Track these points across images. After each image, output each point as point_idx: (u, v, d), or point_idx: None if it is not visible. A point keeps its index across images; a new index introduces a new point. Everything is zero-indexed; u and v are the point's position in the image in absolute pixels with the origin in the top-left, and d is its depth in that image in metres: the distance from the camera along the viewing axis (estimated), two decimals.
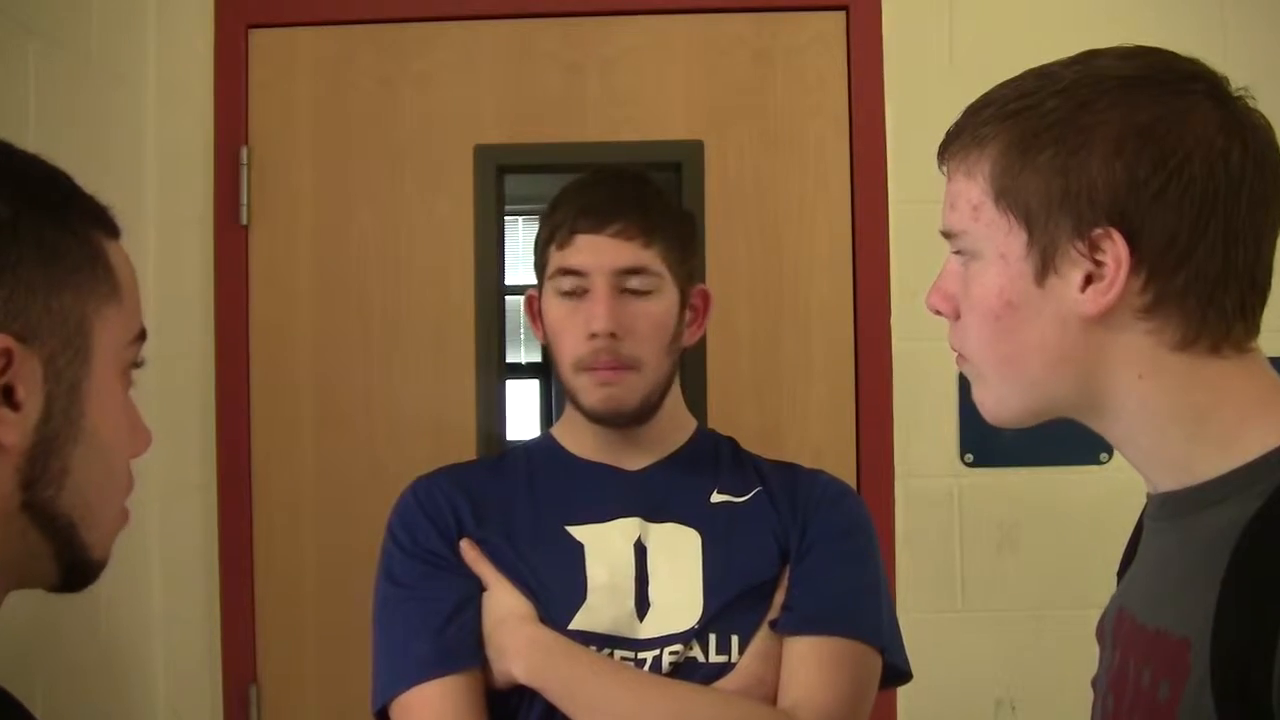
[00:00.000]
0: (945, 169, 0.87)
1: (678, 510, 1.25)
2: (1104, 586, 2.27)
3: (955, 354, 0.89)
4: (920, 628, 2.01)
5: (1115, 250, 0.75)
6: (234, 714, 2.01)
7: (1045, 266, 0.78)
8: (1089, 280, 0.76)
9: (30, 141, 1.80)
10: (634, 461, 1.28)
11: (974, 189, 0.82)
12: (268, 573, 2.03)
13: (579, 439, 1.30)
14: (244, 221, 2.04)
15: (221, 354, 2.03)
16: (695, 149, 2.06)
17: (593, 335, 1.19)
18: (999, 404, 0.86)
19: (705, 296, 1.32)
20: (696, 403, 2.01)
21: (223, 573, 2.02)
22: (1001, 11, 2.06)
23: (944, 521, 2.03)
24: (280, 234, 2.06)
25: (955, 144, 0.85)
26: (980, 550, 2.03)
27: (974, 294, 0.82)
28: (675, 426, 1.31)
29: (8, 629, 1.59)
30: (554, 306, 1.24)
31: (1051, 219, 0.77)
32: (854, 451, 2.03)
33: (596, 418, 1.24)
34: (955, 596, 2.03)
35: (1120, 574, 0.92)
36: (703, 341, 2.03)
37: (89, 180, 1.70)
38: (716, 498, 1.27)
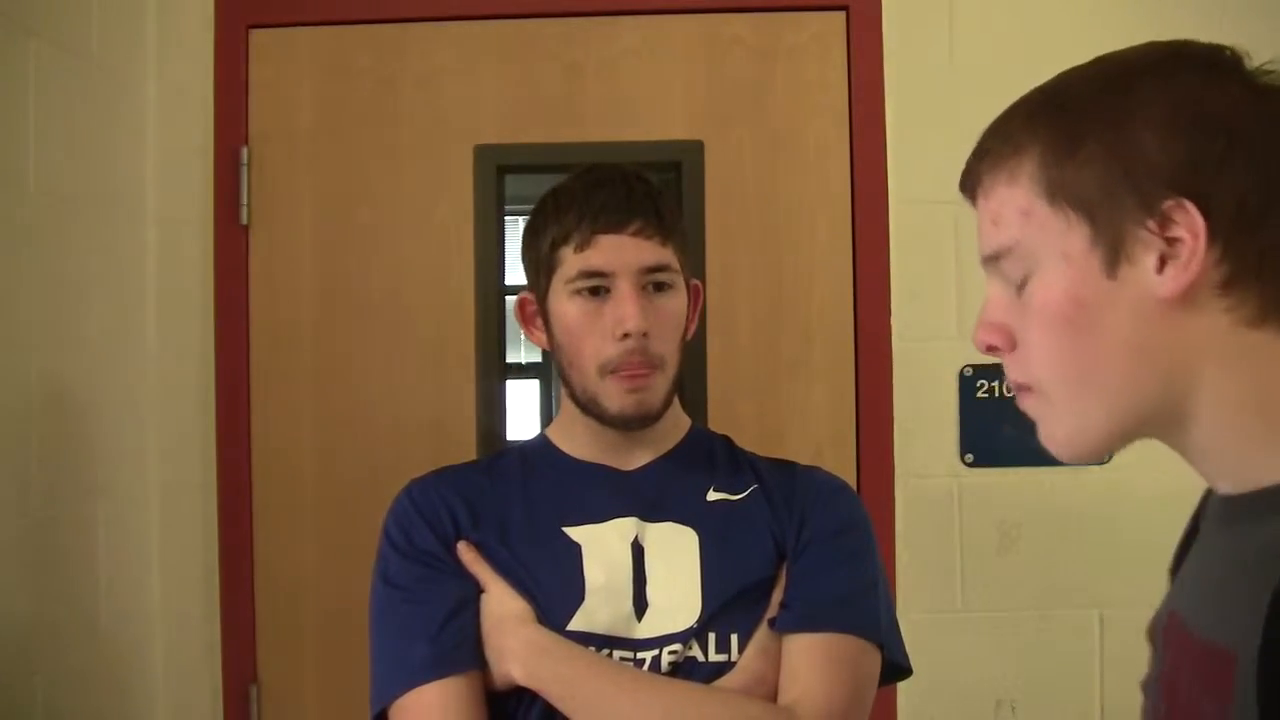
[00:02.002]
0: (977, 192, 0.81)
1: (674, 509, 1.24)
2: (1104, 586, 2.28)
3: (1015, 390, 0.81)
4: (920, 628, 2.01)
5: (1190, 220, 0.71)
6: (234, 714, 2.01)
7: (1115, 255, 0.73)
8: (1163, 262, 0.72)
9: (31, 141, 1.82)
10: (630, 461, 1.27)
11: (1019, 193, 0.77)
12: (268, 572, 2.03)
13: (575, 440, 1.29)
14: (244, 221, 2.04)
15: (221, 354, 2.03)
16: (695, 149, 2.06)
17: (624, 335, 1.18)
18: (1079, 430, 0.78)
19: (698, 290, 1.32)
20: (697, 402, 2.01)
21: (223, 572, 2.02)
22: (1002, 11, 2.06)
23: (944, 521, 2.03)
24: (280, 234, 2.06)
25: (984, 162, 0.79)
26: (980, 550, 2.03)
27: (1035, 305, 0.77)
28: (672, 425, 1.30)
29: (8, 629, 1.59)
30: (571, 309, 1.22)
31: (1114, 203, 0.73)
32: (854, 451, 2.03)
33: (623, 422, 1.22)
34: (955, 596, 2.03)
35: (1173, 570, 0.87)
36: (703, 341, 2.03)
37: (90, 180, 1.71)
38: (713, 495, 1.26)
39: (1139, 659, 2.28)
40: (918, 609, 1.98)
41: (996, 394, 2.02)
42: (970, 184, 0.81)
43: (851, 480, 2.02)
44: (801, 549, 1.22)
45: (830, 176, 2.06)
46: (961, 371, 2.03)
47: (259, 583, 2.03)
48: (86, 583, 1.83)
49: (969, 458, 2.03)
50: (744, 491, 1.27)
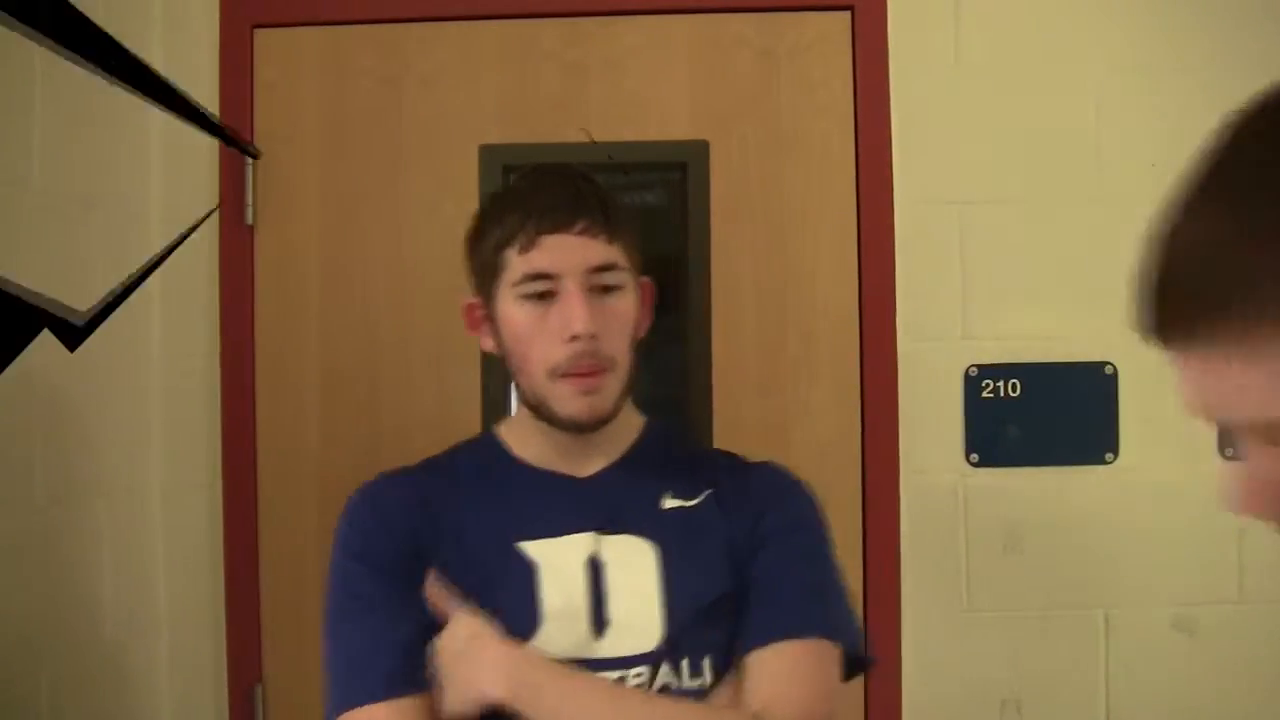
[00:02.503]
0: (1177, 352, 0.69)
1: (631, 520, 1.21)
2: (1110, 586, 2.28)
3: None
4: (925, 628, 2.01)
5: None
6: (239, 714, 2.02)
7: None
8: None
9: (36, 141, 1.81)
10: (585, 467, 1.25)
11: (1260, 371, 0.66)
12: (273, 573, 2.03)
13: (527, 443, 1.26)
14: (249, 221, 2.05)
15: (226, 353, 2.04)
16: (701, 149, 2.06)
17: (574, 337, 1.16)
18: None
19: (649, 288, 1.29)
20: (701, 402, 2.01)
21: (228, 573, 2.03)
22: (1007, 11, 2.06)
23: (949, 522, 2.03)
24: (286, 234, 2.06)
25: (1200, 331, 0.67)
26: (986, 550, 2.03)
27: None
28: (625, 426, 1.28)
29: (13, 629, 1.59)
30: (518, 313, 1.19)
31: None
32: (859, 451, 2.03)
33: (575, 426, 1.20)
34: (960, 596, 2.03)
35: None
36: (708, 341, 2.03)
37: (94, 180, 1.70)
38: (668, 504, 1.24)
39: (1145, 659, 2.29)
40: (923, 609, 1.98)
41: (1002, 394, 2.01)
42: (1176, 342, 0.69)
43: (857, 480, 2.03)
44: (754, 555, 1.21)
45: (835, 176, 2.06)
46: (966, 371, 2.03)
47: (264, 583, 2.03)
48: (91, 583, 1.83)
49: (974, 458, 2.03)
50: (699, 496, 1.25)
